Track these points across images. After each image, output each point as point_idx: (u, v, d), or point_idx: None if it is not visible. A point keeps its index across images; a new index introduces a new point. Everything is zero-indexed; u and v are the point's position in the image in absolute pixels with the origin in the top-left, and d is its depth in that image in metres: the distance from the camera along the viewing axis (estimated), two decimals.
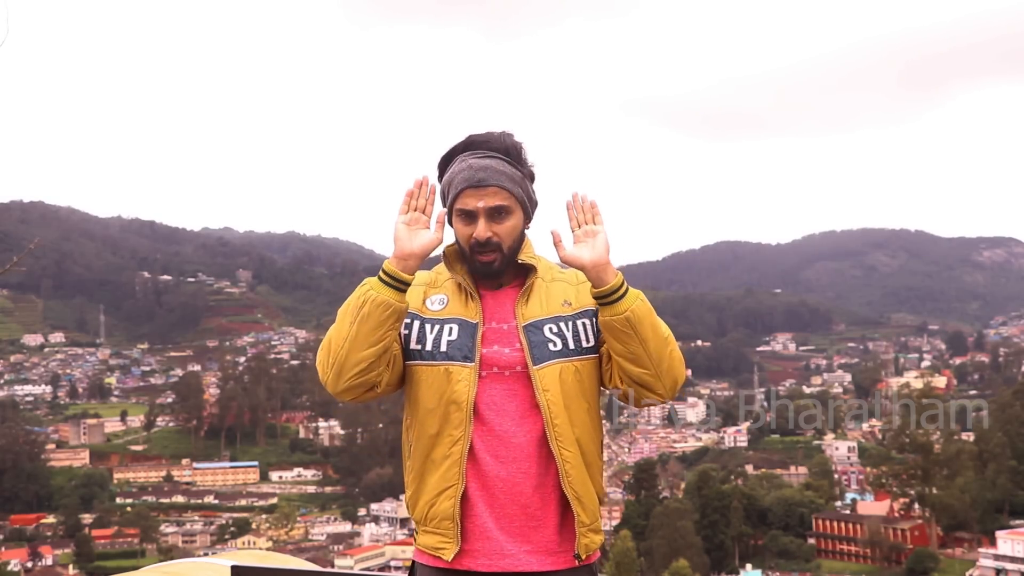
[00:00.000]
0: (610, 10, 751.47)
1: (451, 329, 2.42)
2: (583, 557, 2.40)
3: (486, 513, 2.38)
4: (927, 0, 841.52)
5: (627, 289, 2.35)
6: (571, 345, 2.42)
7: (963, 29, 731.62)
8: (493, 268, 2.44)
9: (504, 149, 2.46)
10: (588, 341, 2.45)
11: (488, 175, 2.41)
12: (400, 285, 2.35)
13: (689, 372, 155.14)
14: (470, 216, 2.43)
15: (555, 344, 2.41)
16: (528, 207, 2.50)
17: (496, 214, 2.42)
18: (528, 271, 2.50)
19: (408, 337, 2.46)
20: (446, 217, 2.48)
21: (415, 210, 2.40)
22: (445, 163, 2.51)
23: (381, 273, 2.36)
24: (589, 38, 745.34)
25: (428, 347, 2.43)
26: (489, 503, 2.38)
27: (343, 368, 2.36)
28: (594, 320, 2.46)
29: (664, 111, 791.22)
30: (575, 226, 2.42)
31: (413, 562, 2.49)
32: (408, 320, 2.46)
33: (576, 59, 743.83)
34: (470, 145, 2.48)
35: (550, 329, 2.42)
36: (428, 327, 2.45)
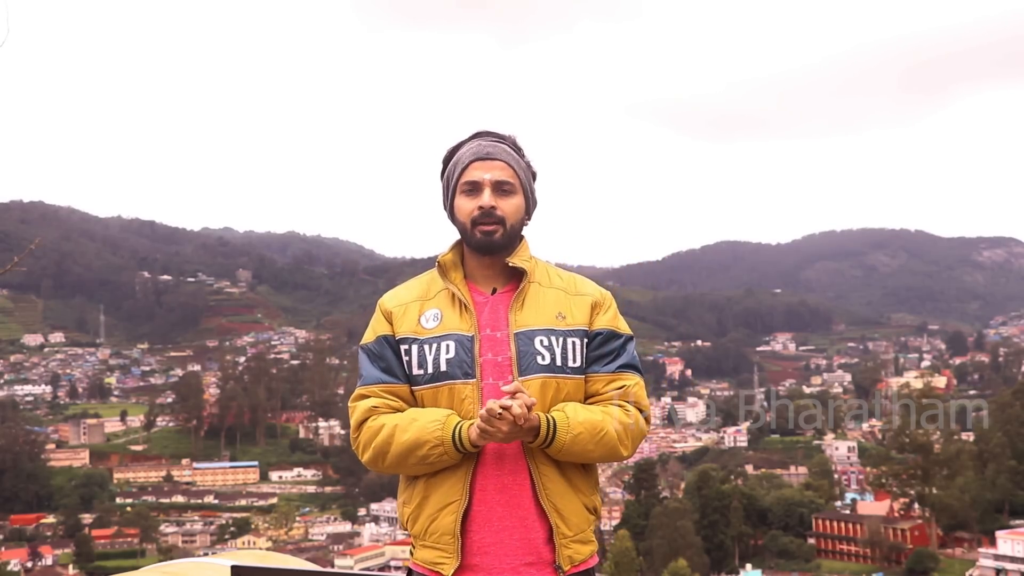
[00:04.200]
0: (618, 14, 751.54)
1: (448, 347, 2.40)
2: (565, 569, 2.38)
3: (486, 527, 2.37)
4: (928, 5, 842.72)
5: (554, 433, 2.33)
6: (559, 362, 2.40)
7: (964, 33, 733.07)
8: (494, 240, 2.42)
9: (511, 141, 2.52)
10: (575, 361, 2.43)
11: (496, 151, 2.46)
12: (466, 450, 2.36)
13: (689, 372, 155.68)
14: (475, 188, 2.43)
15: (543, 357, 2.39)
16: (529, 199, 2.51)
17: (502, 189, 2.43)
18: (522, 276, 2.48)
19: (409, 363, 2.44)
20: (451, 196, 2.48)
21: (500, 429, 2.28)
22: (451, 156, 2.53)
23: (457, 442, 2.32)
24: (597, 43, 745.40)
25: (429, 369, 2.41)
26: (488, 517, 2.37)
27: (390, 473, 2.45)
28: (584, 340, 2.45)
29: (668, 113, 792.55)
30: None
31: (409, 570, 2.48)
32: (406, 346, 2.45)
33: (584, 63, 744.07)
34: (477, 135, 2.52)
35: (541, 342, 2.40)
36: (427, 348, 2.42)
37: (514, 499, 2.37)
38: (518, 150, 2.51)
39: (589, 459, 2.42)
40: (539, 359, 2.39)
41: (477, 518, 2.37)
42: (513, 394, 2.27)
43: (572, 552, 2.39)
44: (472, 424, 2.31)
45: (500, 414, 2.23)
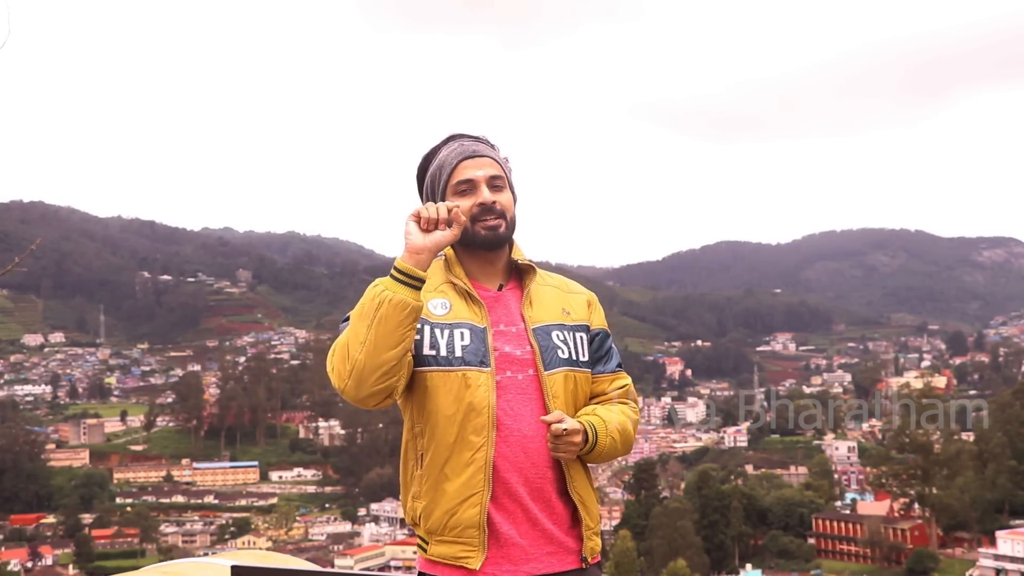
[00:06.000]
0: (620, 16, 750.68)
1: (462, 334, 2.37)
2: (589, 559, 2.43)
3: (509, 520, 2.35)
4: (929, 6, 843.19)
5: (596, 439, 2.39)
6: (574, 356, 2.46)
7: (965, 35, 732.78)
8: (499, 234, 2.43)
9: (485, 140, 2.55)
10: (584, 356, 2.49)
11: (481, 149, 2.49)
12: (415, 282, 2.25)
13: (689, 372, 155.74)
14: (471, 187, 2.44)
15: (563, 351, 2.43)
16: (514, 193, 2.54)
17: (495, 185, 2.45)
18: (523, 273, 2.51)
19: (420, 343, 2.37)
20: (442, 198, 2.48)
21: (430, 222, 2.29)
22: (427, 161, 2.55)
23: (394, 271, 2.26)
24: (600, 44, 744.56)
25: (443, 352, 2.36)
26: (512, 509, 2.36)
27: (363, 374, 2.24)
28: (587, 336, 2.52)
29: (669, 114, 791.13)
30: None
31: (420, 574, 2.42)
32: (417, 325, 2.40)
33: (586, 65, 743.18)
34: (453, 138, 2.55)
35: (557, 336, 2.44)
36: (439, 332, 2.38)
37: (542, 490, 2.38)
38: (494, 148, 2.54)
39: (614, 457, 2.51)
40: (560, 353, 2.43)
41: (502, 509, 2.35)
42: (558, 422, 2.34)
43: (593, 544, 2.44)
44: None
45: (565, 431, 2.29)
